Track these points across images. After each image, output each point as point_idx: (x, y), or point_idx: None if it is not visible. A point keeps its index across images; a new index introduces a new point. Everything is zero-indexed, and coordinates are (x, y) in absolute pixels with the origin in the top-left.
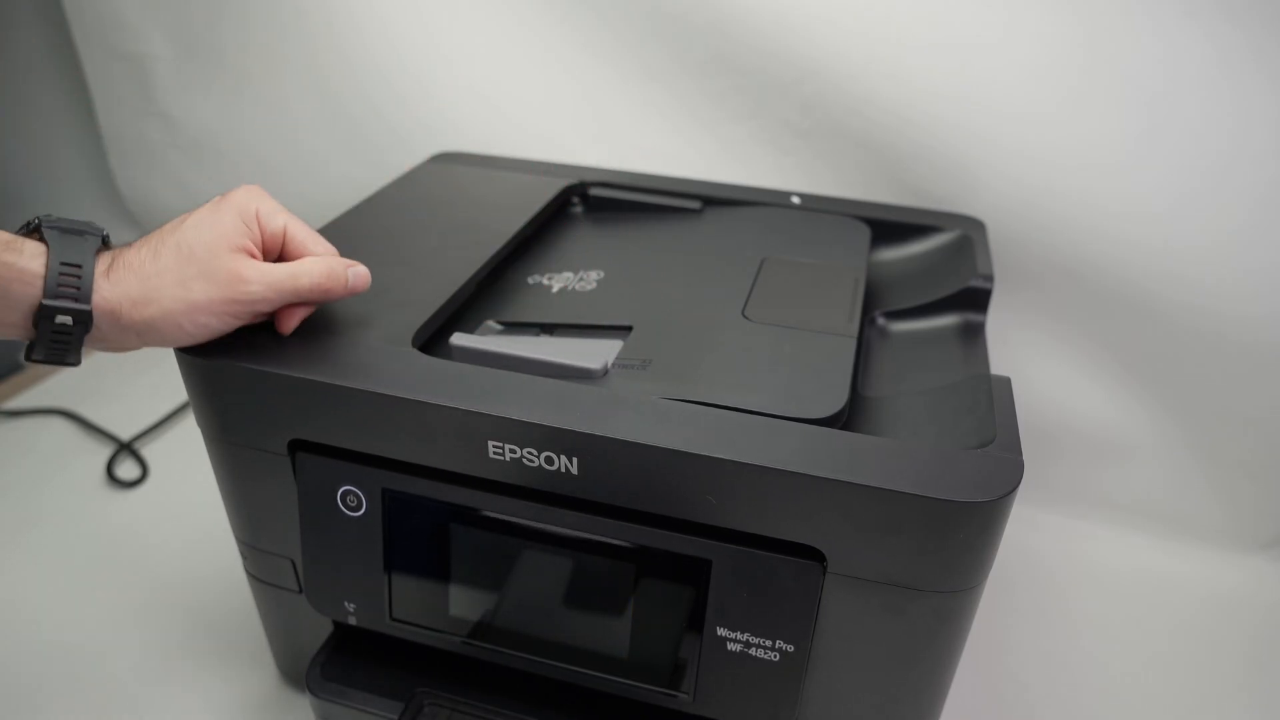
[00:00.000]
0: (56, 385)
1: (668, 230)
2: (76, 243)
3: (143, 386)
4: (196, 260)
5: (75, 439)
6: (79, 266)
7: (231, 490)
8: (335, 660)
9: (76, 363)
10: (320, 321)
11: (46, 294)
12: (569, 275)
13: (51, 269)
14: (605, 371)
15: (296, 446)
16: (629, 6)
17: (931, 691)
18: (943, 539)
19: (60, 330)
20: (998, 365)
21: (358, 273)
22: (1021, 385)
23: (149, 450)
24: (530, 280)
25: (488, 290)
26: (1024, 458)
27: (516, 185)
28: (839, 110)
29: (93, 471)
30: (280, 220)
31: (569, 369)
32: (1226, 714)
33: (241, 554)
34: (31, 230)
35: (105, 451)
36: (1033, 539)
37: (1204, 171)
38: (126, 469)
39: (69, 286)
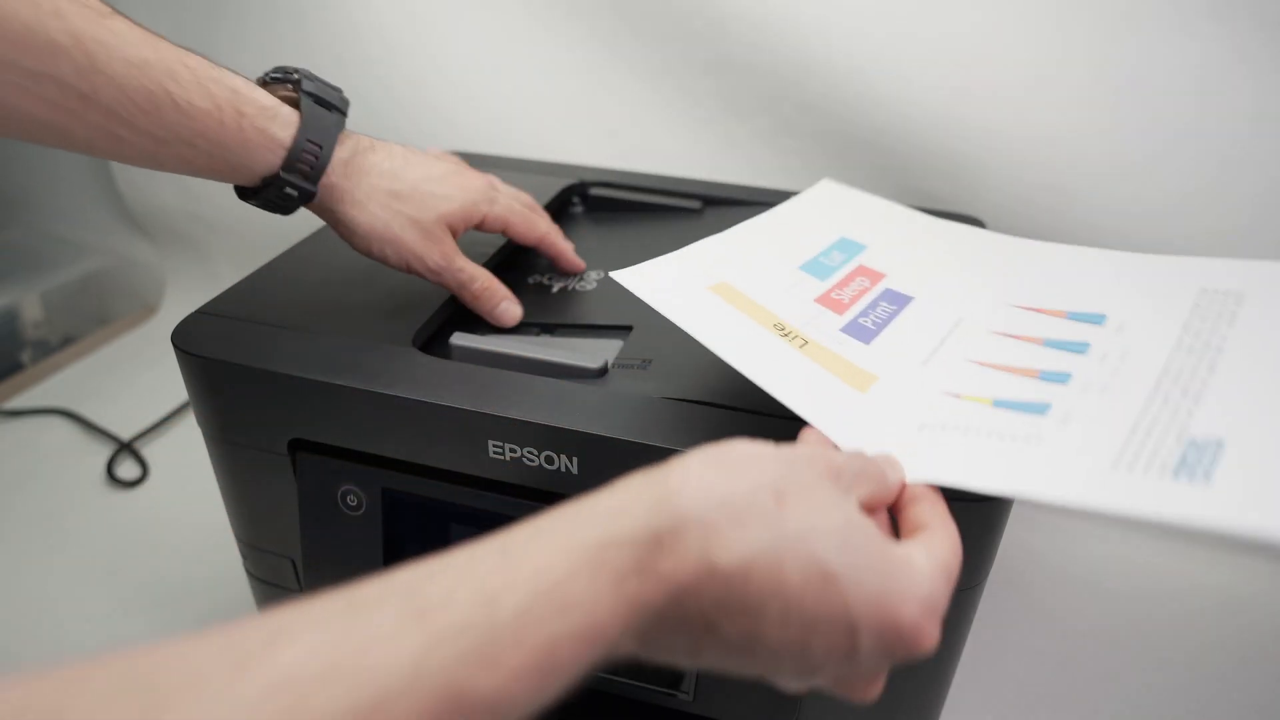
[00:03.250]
0: (56, 385)
1: (668, 230)
2: (324, 119)
3: (143, 386)
4: (423, 211)
5: (75, 439)
6: (320, 147)
7: (231, 490)
8: None
9: (287, 212)
10: (320, 321)
11: (284, 167)
12: (569, 275)
13: (297, 143)
14: (605, 371)
15: (296, 446)
16: (630, 7)
17: (931, 692)
18: None
19: (283, 197)
20: None
21: (505, 310)
22: None
23: (149, 450)
24: (530, 280)
25: None
26: None
27: (517, 185)
28: (839, 110)
29: (93, 471)
30: (502, 222)
31: (569, 369)
32: (1226, 714)
33: (241, 554)
34: (285, 82)
35: (105, 451)
36: (1033, 539)
37: (1205, 171)
38: (126, 469)
39: (305, 164)
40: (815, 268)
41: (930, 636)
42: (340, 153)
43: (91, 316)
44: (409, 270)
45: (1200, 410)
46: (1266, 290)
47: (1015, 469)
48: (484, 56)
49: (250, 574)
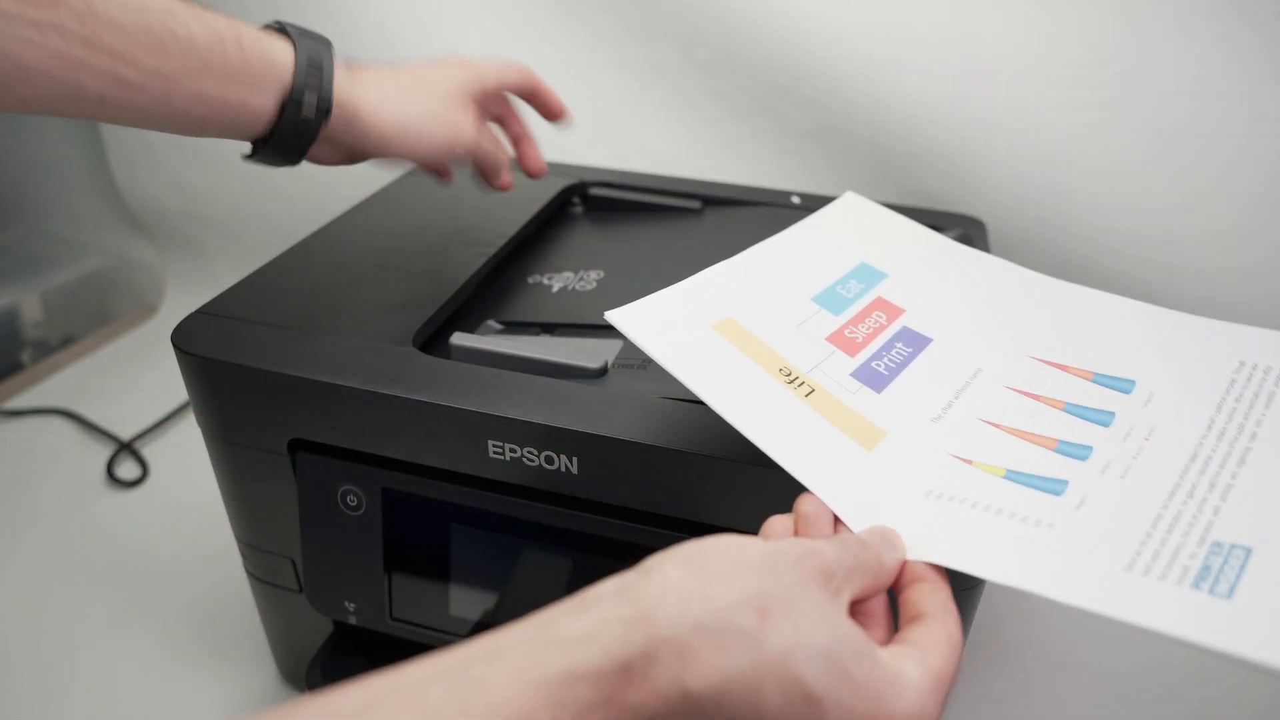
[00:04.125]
0: (56, 385)
1: (668, 230)
2: (316, 44)
3: (143, 386)
4: (437, 96)
5: (75, 439)
6: (320, 63)
7: (231, 490)
8: (335, 660)
9: (297, 162)
10: (321, 321)
11: (294, 87)
12: (569, 275)
13: (299, 62)
14: (605, 371)
15: (296, 446)
16: (630, 6)
17: None
18: None
19: (304, 120)
20: None
21: (508, 178)
22: None
23: (149, 450)
24: (530, 280)
25: (488, 290)
26: None
27: (517, 185)
28: (839, 110)
29: (93, 471)
30: (495, 77)
31: (569, 369)
32: (1227, 715)
33: (241, 554)
34: (268, 28)
35: (105, 451)
36: None
37: (1206, 170)
38: (126, 469)
39: (314, 79)
40: (830, 298)
41: None
42: (339, 67)
43: (91, 316)
44: (449, 152)
45: (1228, 509)
46: None
47: (1024, 559)
48: (484, 56)
49: (250, 574)
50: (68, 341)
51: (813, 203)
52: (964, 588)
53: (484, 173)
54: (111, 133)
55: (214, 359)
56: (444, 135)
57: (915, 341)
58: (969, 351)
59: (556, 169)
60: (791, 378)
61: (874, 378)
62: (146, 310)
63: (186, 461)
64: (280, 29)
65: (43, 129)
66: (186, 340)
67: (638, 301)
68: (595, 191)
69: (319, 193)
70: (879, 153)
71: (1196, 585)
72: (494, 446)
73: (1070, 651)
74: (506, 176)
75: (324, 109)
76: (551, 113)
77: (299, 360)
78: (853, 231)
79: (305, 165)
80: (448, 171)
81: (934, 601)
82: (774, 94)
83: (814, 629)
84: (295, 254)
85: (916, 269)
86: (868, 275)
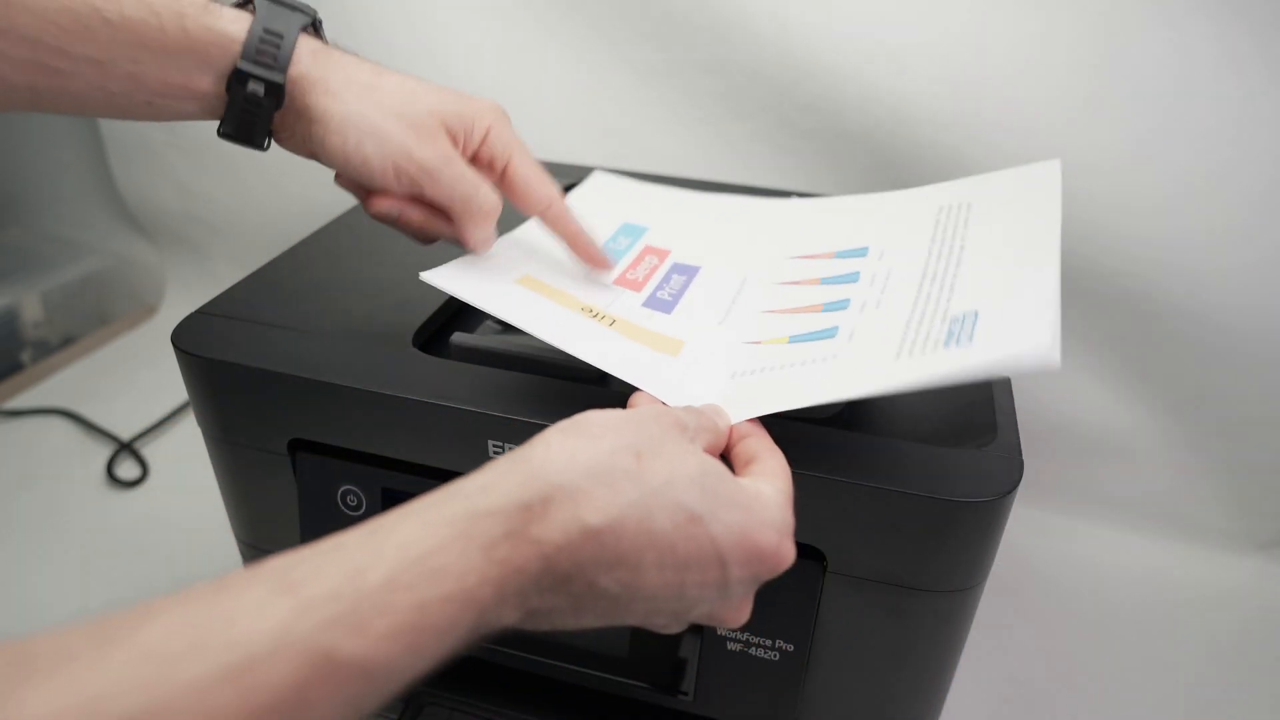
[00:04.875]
0: (56, 385)
1: None
2: (284, 14)
3: (143, 386)
4: (411, 105)
5: (75, 439)
6: (280, 36)
7: (231, 490)
8: None
9: (263, 146)
10: (320, 321)
11: (244, 57)
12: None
13: (253, 34)
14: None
15: (296, 446)
16: (630, 6)
17: (931, 691)
18: (942, 539)
19: (250, 101)
20: None
21: (487, 239)
22: (1021, 384)
23: (149, 450)
24: None
25: None
26: (1024, 457)
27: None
28: (839, 110)
29: (93, 471)
30: (506, 153)
31: (569, 369)
32: (1226, 714)
33: (241, 554)
34: (244, 4)
35: (105, 451)
36: (1033, 539)
37: (1205, 169)
38: (126, 469)
39: (267, 55)
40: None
41: (789, 553)
42: (308, 44)
43: (91, 316)
44: (397, 176)
45: (955, 296)
46: (986, 196)
47: (819, 383)
48: (484, 57)
49: None
50: (68, 341)
51: None
52: (966, 587)
53: (454, 219)
54: (111, 133)
55: (214, 359)
56: (400, 142)
57: (687, 271)
58: (732, 267)
59: (556, 169)
60: (594, 313)
61: (661, 304)
62: (146, 310)
63: (186, 461)
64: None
65: (43, 129)
66: (186, 340)
67: (447, 264)
68: None
69: (319, 193)
70: (878, 153)
71: (947, 345)
72: (494, 446)
73: (1070, 651)
74: (481, 233)
75: (274, 88)
76: (586, 257)
77: (299, 360)
78: (609, 201)
79: (305, 164)
80: (393, 202)
81: (761, 445)
82: (773, 94)
83: (683, 463)
84: (295, 254)
85: (670, 219)
86: (632, 231)
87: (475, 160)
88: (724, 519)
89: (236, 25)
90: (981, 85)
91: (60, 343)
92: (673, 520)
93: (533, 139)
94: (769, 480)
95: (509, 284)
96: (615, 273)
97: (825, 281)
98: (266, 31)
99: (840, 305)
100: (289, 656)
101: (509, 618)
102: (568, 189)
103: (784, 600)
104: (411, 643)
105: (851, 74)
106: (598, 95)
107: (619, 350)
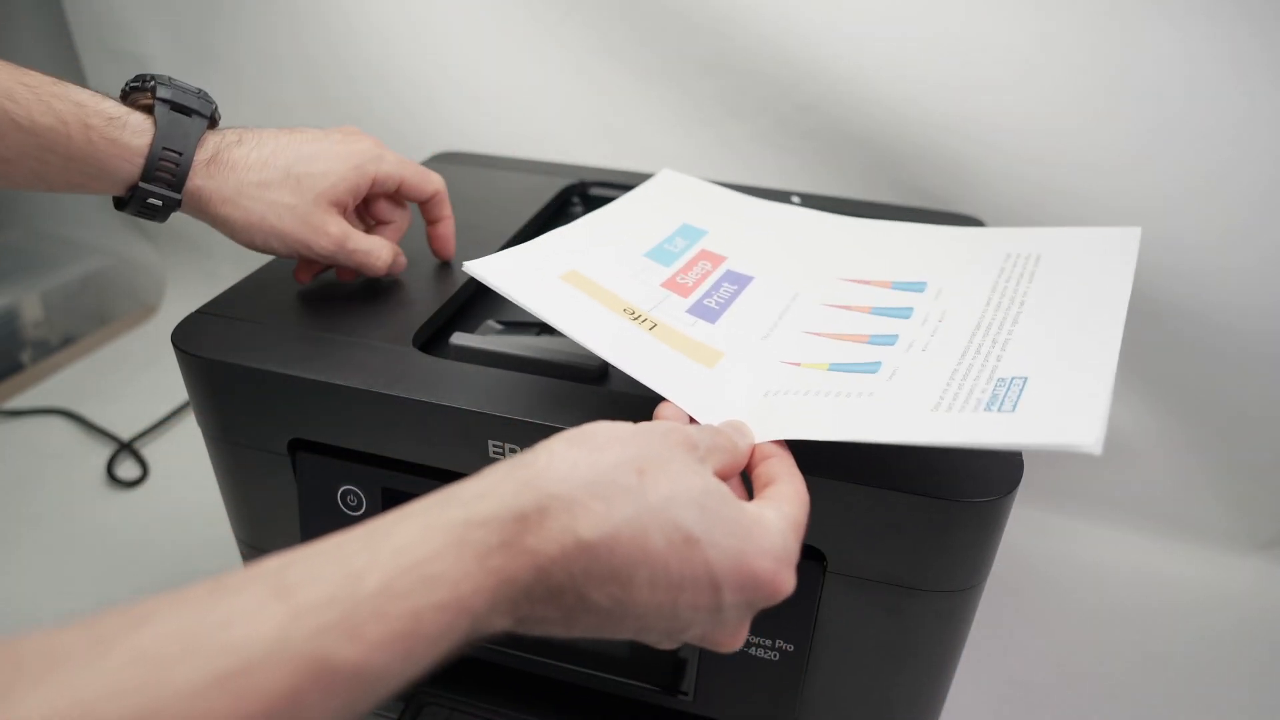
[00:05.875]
0: (56, 385)
1: None
2: (183, 125)
3: (143, 386)
4: (298, 195)
5: (75, 439)
6: (180, 154)
7: (231, 490)
8: None
9: (162, 220)
10: (320, 321)
11: (144, 177)
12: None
13: (153, 152)
14: (605, 371)
15: (296, 446)
16: (630, 6)
17: (931, 691)
18: (942, 539)
19: (149, 208)
20: None
21: (400, 264)
22: None
23: (149, 450)
24: None
25: (487, 290)
26: (1024, 458)
27: (516, 185)
28: (839, 110)
29: (93, 471)
30: (393, 180)
31: (569, 369)
32: (1226, 714)
33: (241, 554)
34: (144, 90)
35: (105, 451)
36: (1033, 539)
37: (1207, 169)
38: (126, 469)
39: (166, 172)
40: (660, 254)
41: (787, 584)
42: (201, 155)
43: (91, 316)
44: (306, 258)
45: (1007, 355)
46: (1058, 252)
47: (851, 418)
48: (483, 57)
49: None
50: (68, 341)
51: (812, 202)
52: (966, 587)
53: (361, 272)
54: None
55: (214, 359)
56: (298, 236)
57: (739, 280)
58: (786, 282)
59: (557, 169)
60: (635, 315)
61: (707, 312)
62: (146, 310)
63: (186, 461)
64: (152, 93)
65: None
66: (186, 340)
67: (493, 255)
68: (595, 191)
69: None
70: (877, 153)
71: (988, 408)
72: (494, 446)
73: (1070, 651)
74: (393, 264)
75: (171, 203)
76: (437, 244)
77: (299, 360)
78: (673, 200)
79: None
80: (316, 268)
81: (782, 468)
82: (772, 94)
83: (686, 483)
84: None
85: (732, 225)
86: (690, 233)
87: (370, 200)
88: (721, 543)
89: (139, 139)
90: (982, 86)
91: (60, 343)
92: (668, 539)
93: (533, 139)
94: (780, 506)
95: (552, 279)
96: (665, 275)
97: (876, 312)
98: (165, 149)
99: (888, 340)
100: (283, 662)
101: (501, 624)
102: (571, 189)
103: (784, 600)
104: (405, 649)
105: (852, 74)
106: (597, 95)
107: (653, 357)
